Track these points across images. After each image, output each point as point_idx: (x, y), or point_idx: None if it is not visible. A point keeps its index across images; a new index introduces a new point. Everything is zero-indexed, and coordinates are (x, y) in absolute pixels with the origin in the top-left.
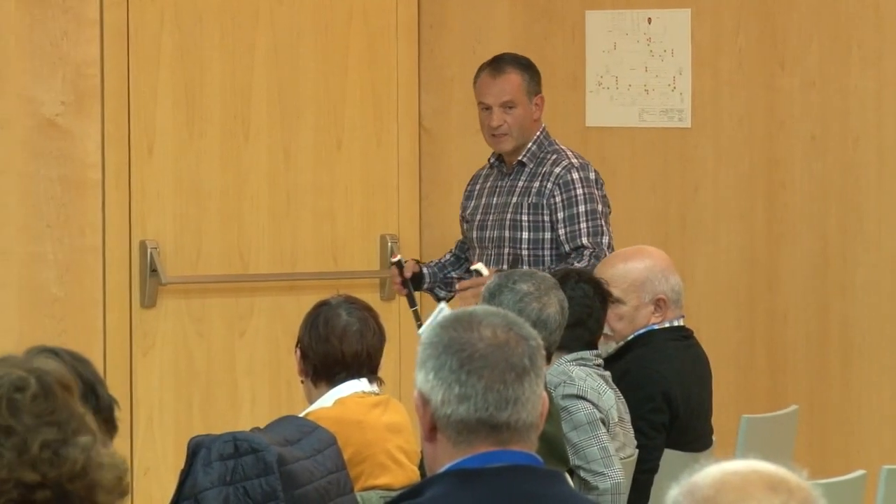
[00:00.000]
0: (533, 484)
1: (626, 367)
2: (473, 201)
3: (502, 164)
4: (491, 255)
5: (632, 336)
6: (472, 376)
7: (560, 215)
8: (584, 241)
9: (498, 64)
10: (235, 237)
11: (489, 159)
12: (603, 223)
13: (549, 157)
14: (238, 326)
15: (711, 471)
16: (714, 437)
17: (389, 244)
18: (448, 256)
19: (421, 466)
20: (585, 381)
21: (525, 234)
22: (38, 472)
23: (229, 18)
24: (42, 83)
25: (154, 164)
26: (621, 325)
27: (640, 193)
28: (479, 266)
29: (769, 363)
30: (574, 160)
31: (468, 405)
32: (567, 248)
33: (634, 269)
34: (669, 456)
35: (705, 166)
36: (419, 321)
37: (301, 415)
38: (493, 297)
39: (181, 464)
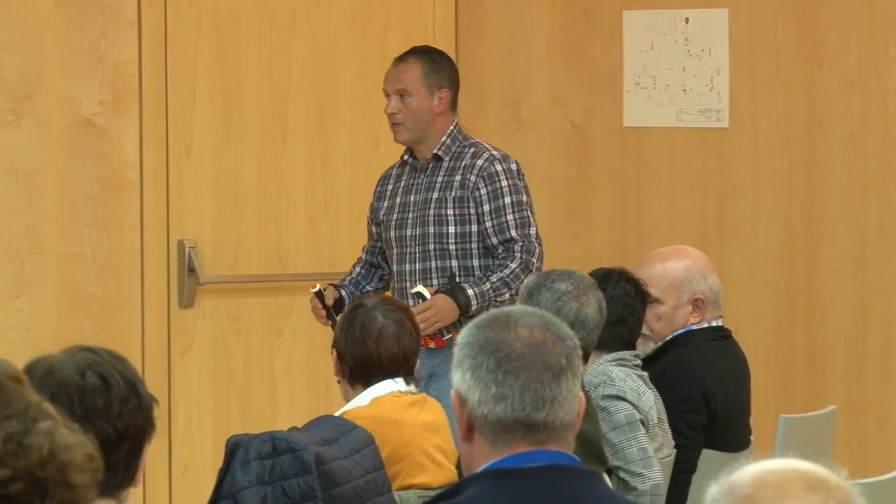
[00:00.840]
0: (571, 483)
1: (664, 367)
2: (387, 201)
3: (416, 161)
4: (415, 252)
5: (670, 336)
6: (509, 376)
7: (486, 208)
8: (513, 233)
9: (405, 54)
10: (273, 237)
11: (402, 156)
12: (529, 214)
13: (466, 150)
14: (276, 326)
15: (750, 469)
16: (752, 438)
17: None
18: (358, 269)
19: (458, 465)
20: (625, 382)
21: (451, 229)
22: (6, 467)
23: (267, 20)
24: (80, 83)
25: (192, 164)
26: (660, 325)
27: (677, 193)
28: (420, 288)
29: (808, 363)
30: (494, 152)
31: (505, 405)
32: (495, 240)
33: (672, 269)
34: (708, 456)
35: (743, 166)
36: None
37: (337, 414)
38: (531, 296)
39: (219, 463)
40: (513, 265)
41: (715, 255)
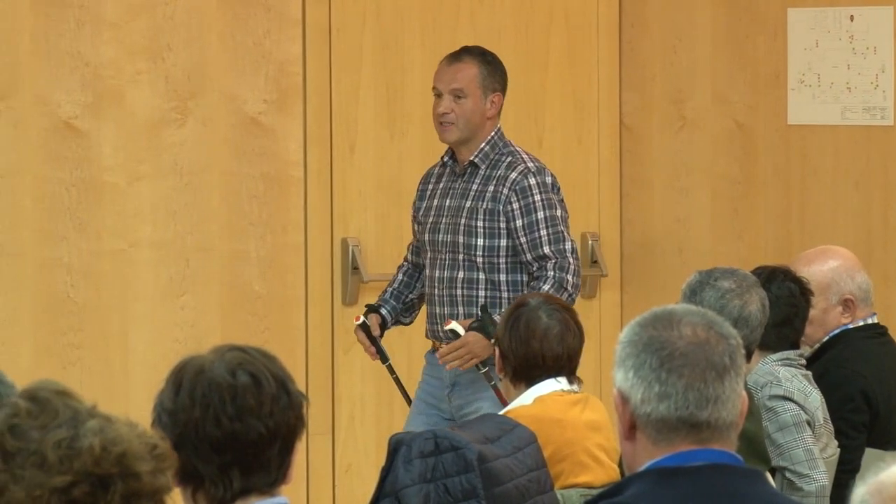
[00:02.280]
0: (733, 483)
1: (824, 367)
2: (426, 202)
3: (455, 164)
4: (445, 259)
5: (826, 338)
6: (672, 375)
7: (518, 223)
8: (546, 249)
9: (459, 52)
10: None
11: (442, 157)
12: (563, 229)
13: (503, 159)
14: None
15: None
16: None
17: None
18: (401, 276)
19: (621, 464)
20: (792, 382)
21: (480, 241)
22: (64, 473)
23: (430, 18)
24: (245, 81)
25: (356, 162)
26: (811, 329)
27: (842, 191)
28: (454, 325)
29: None
30: (530, 164)
31: (668, 403)
32: (529, 256)
33: (819, 272)
34: (871, 455)
35: None
36: (394, 374)
37: (501, 413)
38: (693, 294)
39: (382, 461)
40: (545, 287)
41: (879, 252)
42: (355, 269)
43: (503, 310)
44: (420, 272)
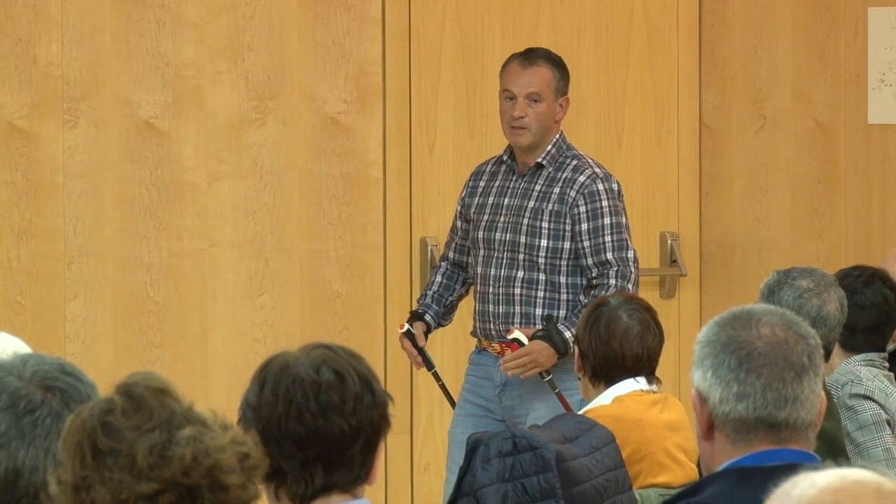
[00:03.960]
0: None
1: None
2: (478, 199)
3: (515, 163)
4: (502, 258)
5: None
6: (750, 374)
7: (584, 227)
8: (609, 256)
9: (530, 55)
10: None
11: (501, 156)
12: (627, 237)
13: (569, 161)
14: None
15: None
16: None
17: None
18: (439, 278)
19: (699, 465)
20: (873, 382)
21: (544, 242)
22: (151, 480)
23: (510, 17)
24: (325, 81)
25: (435, 162)
26: None
27: None
28: (518, 334)
29: None
30: (597, 170)
31: (747, 403)
32: (590, 261)
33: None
34: None
35: None
36: (440, 381)
37: (580, 412)
38: (771, 293)
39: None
40: (605, 294)
41: None
42: (434, 268)
43: (562, 311)
44: (459, 272)
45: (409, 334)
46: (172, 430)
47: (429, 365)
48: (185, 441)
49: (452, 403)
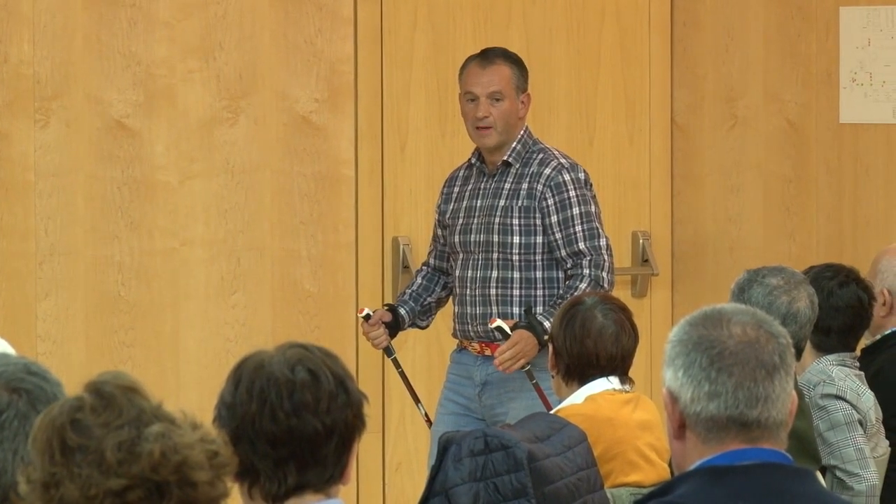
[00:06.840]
0: (784, 481)
1: (879, 366)
2: (453, 204)
3: (483, 165)
4: (478, 259)
5: (889, 331)
6: (722, 374)
7: (553, 219)
8: (581, 245)
9: (488, 55)
10: None
11: (469, 159)
12: (598, 225)
13: (534, 156)
14: None
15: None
16: None
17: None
18: (419, 280)
19: (671, 464)
20: (845, 382)
21: (516, 239)
22: (120, 476)
23: (482, 17)
24: (296, 80)
25: (406, 161)
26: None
27: (894, 190)
28: (500, 323)
29: None
30: (563, 160)
31: (718, 402)
32: (563, 252)
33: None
34: None
35: None
36: (400, 367)
37: (552, 412)
38: (742, 292)
39: (432, 460)
40: (582, 286)
41: None
42: (406, 267)
43: (539, 308)
44: (440, 277)
45: (367, 317)
46: (141, 427)
47: (388, 351)
48: (153, 437)
49: (412, 392)
